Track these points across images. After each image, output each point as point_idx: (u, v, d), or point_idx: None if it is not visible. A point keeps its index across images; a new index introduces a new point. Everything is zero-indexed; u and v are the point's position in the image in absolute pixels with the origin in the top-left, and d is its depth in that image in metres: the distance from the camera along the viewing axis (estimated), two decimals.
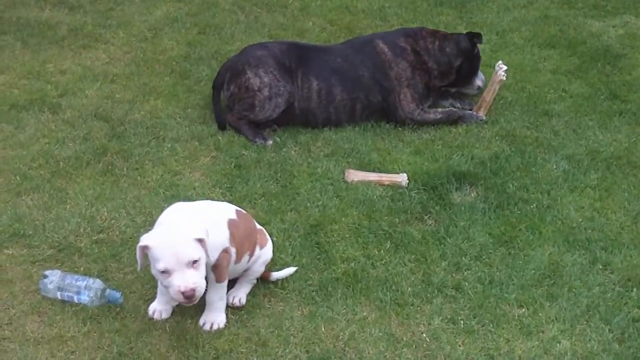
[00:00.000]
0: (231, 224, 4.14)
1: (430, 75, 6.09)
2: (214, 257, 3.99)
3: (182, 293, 3.76)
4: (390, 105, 6.00)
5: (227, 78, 5.95)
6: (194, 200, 4.48)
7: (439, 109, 6.11)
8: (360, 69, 6.00)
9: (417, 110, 5.99)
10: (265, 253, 4.41)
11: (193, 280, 3.79)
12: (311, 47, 6.28)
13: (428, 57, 6.07)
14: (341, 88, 5.96)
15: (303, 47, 6.24)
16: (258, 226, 4.45)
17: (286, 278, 4.47)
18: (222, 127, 5.86)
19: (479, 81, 6.30)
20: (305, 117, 5.96)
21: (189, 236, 3.80)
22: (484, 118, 6.02)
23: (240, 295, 4.31)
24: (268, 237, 4.50)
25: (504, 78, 6.06)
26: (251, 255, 4.29)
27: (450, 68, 6.13)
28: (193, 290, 3.78)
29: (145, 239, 3.84)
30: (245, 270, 4.33)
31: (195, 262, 3.80)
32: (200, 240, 3.81)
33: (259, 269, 4.37)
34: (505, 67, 6.05)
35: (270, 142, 5.71)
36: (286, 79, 5.89)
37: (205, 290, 3.96)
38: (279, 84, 5.86)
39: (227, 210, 4.23)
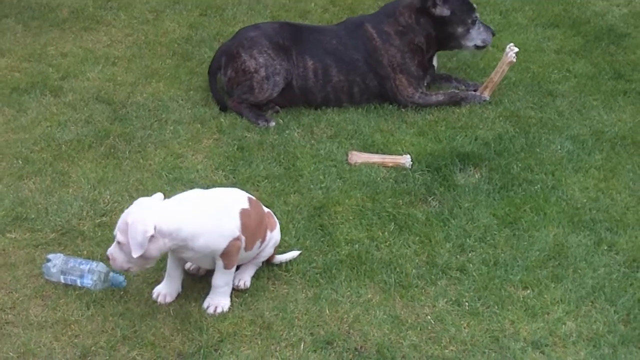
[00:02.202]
0: (243, 213, 4.11)
1: (422, 51, 6.04)
2: (221, 245, 4.00)
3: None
4: (389, 91, 5.98)
5: (224, 62, 5.93)
6: (195, 183, 4.46)
7: (441, 91, 6.08)
8: (354, 53, 5.99)
9: (417, 94, 5.97)
10: (274, 236, 4.40)
11: (112, 252, 3.93)
12: (304, 27, 6.28)
13: (413, 34, 6.01)
14: (337, 69, 5.95)
15: (296, 26, 6.24)
16: (266, 209, 4.43)
17: (290, 261, 4.46)
18: (223, 108, 5.83)
19: (470, 42, 6.16)
20: (305, 97, 5.95)
21: (127, 219, 3.85)
22: (487, 98, 5.98)
23: (245, 278, 4.30)
24: (276, 219, 4.48)
25: (514, 60, 5.99)
26: (263, 241, 4.28)
27: (431, 38, 6.07)
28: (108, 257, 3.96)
29: (140, 199, 4.01)
30: (257, 254, 4.32)
31: (118, 242, 3.89)
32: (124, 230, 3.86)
33: (269, 251, 4.36)
34: (516, 50, 5.99)
35: (273, 123, 5.69)
36: (281, 57, 5.88)
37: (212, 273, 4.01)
38: (275, 63, 5.84)
39: (239, 199, 4.19)
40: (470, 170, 5.28)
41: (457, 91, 6.09)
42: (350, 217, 4.83)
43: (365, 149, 5.47)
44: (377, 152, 5.44)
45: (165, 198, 4.02)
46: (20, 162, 5.21)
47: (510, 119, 5.80)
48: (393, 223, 4.79)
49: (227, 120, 5.72)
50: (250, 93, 5.82)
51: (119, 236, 3.87)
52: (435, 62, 6.23)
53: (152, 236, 3.81)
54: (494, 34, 6.20)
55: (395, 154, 5.39)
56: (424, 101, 5.98)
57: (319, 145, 5.48)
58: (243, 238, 4.09)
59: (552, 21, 7.21)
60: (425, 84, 6.13)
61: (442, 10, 5.96)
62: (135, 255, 3.81)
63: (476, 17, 6.11)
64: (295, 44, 5.97)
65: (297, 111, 5.88)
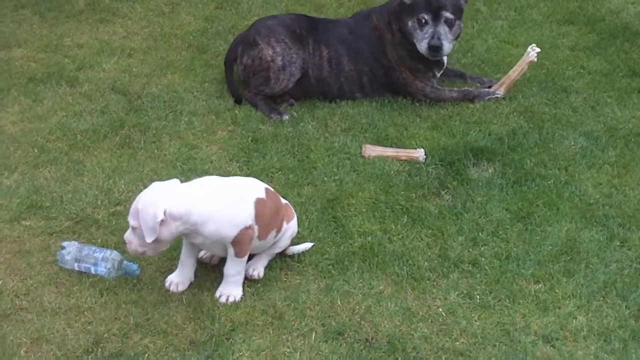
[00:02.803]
0: (258, 203, 4.13)
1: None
2: (232, 233, 4.02)
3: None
4: (397, 83, 5.98)
5: (240, 51, 5.96)
6: (209, 174, 4.47)
7: (455, 88, 6.08)
8: (362, 42, 6.01)
9: (428, 88, 5.97)
10: (291, 227, 4.41)
11: (128, 237, 3.97)
12: (320, 18, 6.33)
13: (401, 24, 5.96)
14: (348, 58, 5.97)
15: (312, 17, 6.27)
16: (283, 200, 4.45)
17: (303, 252, 4.48)
18: (238, 100, 5.86)
19: (418, 43, 5.85)
20: (321, 87, 5.97)
21: (138, 203, 3.89)
22: (501, 94, 5.97)
23: (259, 268, 4.31)
24: (293, 210, 4.50)
25: (535, 59, 6.00)
26: (278, 231, 4.29)
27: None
28: (129, 243, 3.99)
29: (154, 183, 4.04)
30: (272, 244, 4.34)
31: (133, 227, 3.93)
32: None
33: (285, 242, 4.38)
34: (538, 50, 6.00)
35: (287, 117, 5.71)
36: (298, 46, 5.91)
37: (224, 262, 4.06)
38: (291, 52, 5.87)
39: (256, 189, 4.21)
40: (484, 165, 5.28)
41: (470, 89, 6.07)
42: (364, 210, 4.84)
43: (379, 142, 5.49)
44: (390, 146, 5.45)
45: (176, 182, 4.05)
46: (36, 151, 5.24)
47: (524, 115, 5.81)
48: (406, 216, 4.80)
49: (242, 112, 5.74)
50: (266, 84, 5.84)
51: (131, 221, 3.91)
52: (445, 59, 6.14)
53: (163, 220, 3.84)
54: (433, 49, 5.79)
55: (409, 148, 5.40)
56: (435, 95, 5.97)
57: (333, 138, 5.50)
58: (256, 227, 4.11)
59: (566, 18, 7.21)
60: (435, 79, 6.08)
61: None
62: (148, 240, 3.85)
63: (425, 18, 5.81)
64: (311, 34, 6.00)
65: (312, 104, 5.90)
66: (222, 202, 4.02)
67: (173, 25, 6.95)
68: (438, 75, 6.09)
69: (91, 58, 6.37)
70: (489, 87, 6.09)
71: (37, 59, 6.35)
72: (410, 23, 5.86)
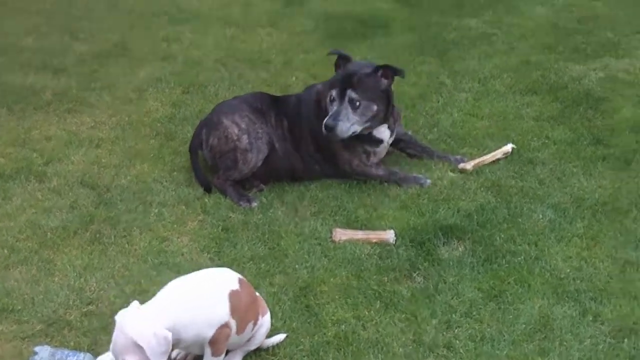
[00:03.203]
0: (232, 295, 4.10)
1: None
2: (209, 334, 3.99)
3: None
4: (328, 152, 6.01)
5: (204, 134, 6.00)
6: (181, 267, 4.47)
7: (382, 167, 6.07)
8: (306, 111, 6.04)
9: (355, 161, 5.97)
10: (266, 321, 4.39)
11: None
12: (279, 95, 6.40)
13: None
14: (299, 127, 6.02)
15: (271, 95, 6.34)
16: (257, 294, 4.45)
17: (277, 344, 4.46)
18: (208, 189, 5.87)
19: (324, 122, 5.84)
20: (288, 161, 6.00)
21: (131, 337, 3.78)
22: (429, 182, 5.93)
23: None
24: (265, 305, 4.48)
25: (510, 151, 6.21)
26: (255, 323, 4.27)
27: None
28: None
29: (119, 314, 3.91)
30: (248, 339, 4.31)
31: None
32: (139, 347, 3.78)
33: (260, 338, 4.35)
34: (513, 146, 6.25)
35: (256, 203, 5.73)
36: (261, 120, 5.97)
37: None
38: (256, 126, 5.92)
39: (228, 281, 4.18)
40: (454, 244, 5.31)
41: (397, 171, 6.05)
42: (336, 297, 4.85)
43: (349, 225, 5.51)
44: (361, 229, 5.48)
45: (141, 302, 3.99)
46: (6, 251, 5.22)
47: (492, 189, 5.85)
48: (379, 301, 4.81)
49: (211, 200, 5.76)
50: (234, 167, 5.87)
51: (128, 357, 3.80)
52: (382, 135, 6.06)
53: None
54: (327, 128, 5.76)
55: (379, 230, 5.43)
56: (361, 170, 5.99)
57: (303, 224, 5.52)
58: (233, 322, 4.08)
59: (530, 88, 7.31)
60: (367, 155, 6.05)
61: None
62: None
63: (333, 95, 5.82)
64: (272, 108, 6.07)
65: (281, 189, 5.92)
66: (198, 304, 3.99)
67: (140, 113, 6.99)
68: (372, 151, 6.06)
69: (59, 150, 6.38)
70: (459, 164, 6.14)
71: (5, 154, 6.35)
72: (327, 98, 5.90)
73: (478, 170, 6.05)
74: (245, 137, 5.86)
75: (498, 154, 6.18)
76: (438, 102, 7.07)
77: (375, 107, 5.81)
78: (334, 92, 5.81)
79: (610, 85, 7.32)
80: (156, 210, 5.65)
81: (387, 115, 5.94)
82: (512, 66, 7.71)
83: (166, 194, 5.83)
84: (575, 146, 6.38)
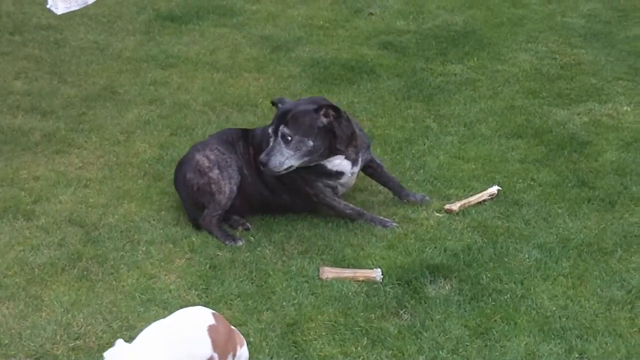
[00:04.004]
0: (211, 330, 4.13)
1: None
2: None
3: None
4: (291, 184, 6.07)
5: (183, 170, 6.11)
6: (168, 304, 4.48)
7: (351, 206, 6.09)
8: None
9: (320, 195, 6.04)
10: (244, 352, 4.41)
11: None
12: (248, 128, 6.50)
13: None
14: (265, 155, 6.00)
15: (244, 129, 6.49)
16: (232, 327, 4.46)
17: None
18: (197, 226, 5.91)
19: None
20: (258, 189, 6.11)
21: None
22: (393, 225, 5.97)
23: None
24: (241, 335, 4.50)
25: (495, 192, 6.29)
26: (234, 355, 4.29)
27: None
28: None
29: (107, 353, 3.88)
30: None
31: None
32: None
33: None
34: (499, 188, 6.34)
35: (241, 242, 5.76)
36: (230, 150, 6.10)
37: None
38: (225, 156, 6.05)
39: (204, 317, 4.21)
40: (441, 282, 5.34)
41: (364, 212, 6.08)
42: (323, 333, 4.86)
43: (337, 264, 5.53)
44: (348, 267, 5.50)
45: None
46: None
47: (478, 230, 5.90)
48: (366, 337, 4.82)
49: (199, 239, 5.78)
50: (212, 200, 5.95)
51: None
52: (340, 167, 6.04)
53: None
54: (260, 163, 5.84)
55: (366, 268, 5.46)
56: (327, 203, 6.05)
57: (291, 262, 5.54)
58: (216, 355, 4.11)
59: (515, 131, 7.37)
60: (333, 189, 6.09)
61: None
62: None
63: (270, 131, 5.93)
64: (241, 138, 6.23)
65: (268, 228, 5.95)
66: (182, 343, 4.01)
67: (129, 154, 7.01)
68: (335, 184, 6.08)
69: (47, 190, 6.39)
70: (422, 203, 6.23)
71: None
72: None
73: (464, 211, 6.10)
74: (215, 167, 5.98)
75: (484, 195, 6.25)
76: (424, 144, 7.12)
77: (310, 143, 5.84)
78: (269, 129, 5.93)
79: (594, 129, 7.39)
80: (144, 248, 5.67)
81: (331, 149, 5.95)
82: (497, 110, 7.78)
83: (154, 233, 5.85)
84: (560, 188, 6.44)
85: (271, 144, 5.87)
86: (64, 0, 7.32)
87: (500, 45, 9.41)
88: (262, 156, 5.83)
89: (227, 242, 5.77)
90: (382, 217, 6.07)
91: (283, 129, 5.82)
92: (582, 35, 9.71)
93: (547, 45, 9.41)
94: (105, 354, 3.91)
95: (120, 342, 3.93)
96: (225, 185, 5.97)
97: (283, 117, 5.88)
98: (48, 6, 7.39)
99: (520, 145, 7.15)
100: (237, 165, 6.06)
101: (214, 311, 4.33)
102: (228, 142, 6.18)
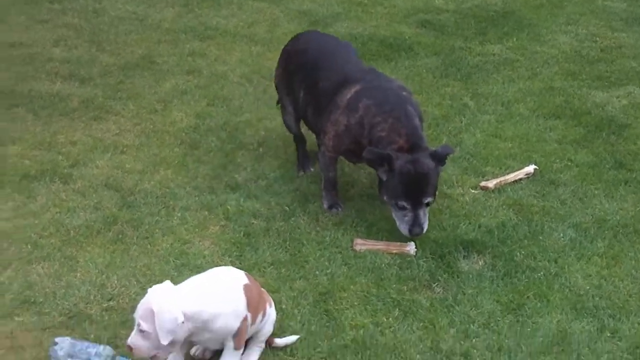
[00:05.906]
0: (246, 289, 4.20)
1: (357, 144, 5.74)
2: (235, 326, 4.09)
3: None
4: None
5: None
6: (202, 269, 4.49)
7: (332, 175, 5.91)
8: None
9: (322, 147, 5.87)
10: (273, 311, 4.47)
11: (135, 342, 3.97)
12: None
13: (359, 129, 5.76)
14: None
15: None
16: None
17: (295, 346, 4.49)
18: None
19: (397, 222, 5.53)
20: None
21: (151, 306, 3.92)
22: (333, 212, 5.83)
23: None
24: (269, 296, 4.56)
25: (532, 171, 6.28)
26: (264, 314, 4.34)
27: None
28: (130, 348, 3.98)
29: (152, 288, 4.05)
30: (257, 332, 4.35)
31: (141, 330, 3.93)
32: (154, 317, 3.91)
33: (269, 328, 4.42)
34: (536, 167, 6.33)
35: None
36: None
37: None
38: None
39: (239, 277, 4.28)
40: (474, 257, 5.33)
41: (332, 189, 5.94)
42: (355, 303, 4.87)
43: (370, 236, 5.54)
44: (381, 240, 5.50)
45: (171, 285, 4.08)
46: (29, 247, 5.27)
47: (513, 208, 5.87)
48: (397, 309, 4.83)
49: (234, 207, 5.79)
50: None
51: (143, 325, 3.91)
52: None
53: (182, 322, 3.88)
54: (412, 233, 5.42)
55: (399, 242, 5.45)
56: (321, 157, 5.93)
57: (324, 232, 5.54)
58: (249, 315, 4.17)
59: (553, 112, 7.32)
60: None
61: (382, 174, 5.54)
62: (164, 342, 3.86)
63: (403, 205, 5.41)
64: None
65: (303, 198, 5.95)
66: (224, 297, 4.10)
67: (165, 122, 7.03)
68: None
69: (84, 155, 6.43)
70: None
71: (31, 156, 6.40)
72: (386, 197, 5.69)
73: (500, 189, 6.08)
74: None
75: (520, 174, 6.22)
76: (461, 122, 7.09)
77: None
78: (404, 203, 5.40)
79: (633, 112, 7.33)
80: (179, 214, 5.69)
81: None
82: (535, 91, 7.72)
83: (189, 199, 5.87)
84: (597, 169, 6.40)
85: (419, 214, 5.38)
86: None
87: (539, 26, 9.34)
88: (417, 229, 5.37)
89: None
90: (334, 200, 5.91)
91: (428, 199, 5.42)
92: (623, 19, 9.61)
93: (588, 28, 9.32)
94: (149, 289, 4.02)
95: (168, 282, 4.06)
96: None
97: (426, 186, 5.41)
98: None
99: (558, 126, 7.10)
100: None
101: (245, 272, 4.39)
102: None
